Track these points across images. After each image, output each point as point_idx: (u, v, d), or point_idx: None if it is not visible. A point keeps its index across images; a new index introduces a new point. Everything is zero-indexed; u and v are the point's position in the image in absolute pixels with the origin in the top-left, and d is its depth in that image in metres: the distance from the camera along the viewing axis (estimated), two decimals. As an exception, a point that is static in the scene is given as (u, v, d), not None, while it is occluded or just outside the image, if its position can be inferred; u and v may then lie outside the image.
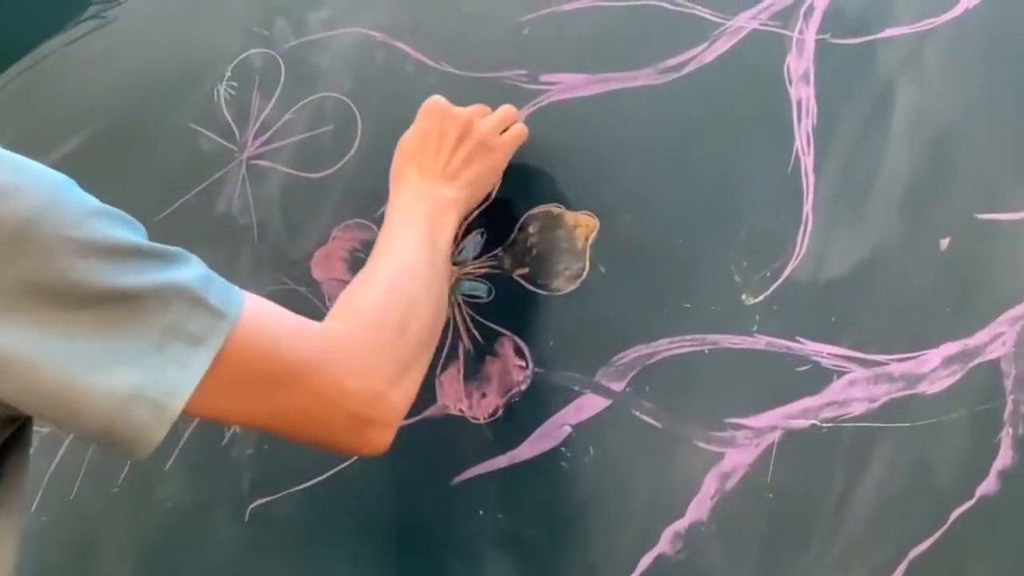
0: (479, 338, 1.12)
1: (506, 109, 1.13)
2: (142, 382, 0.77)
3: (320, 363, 0.86)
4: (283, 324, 0.87)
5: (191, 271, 0.82)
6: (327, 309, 1.18)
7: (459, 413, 1.11)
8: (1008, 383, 0.89)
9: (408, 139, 1.10)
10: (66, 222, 0.76)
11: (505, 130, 1.13)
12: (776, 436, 0.96)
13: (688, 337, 1.02)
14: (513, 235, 1.13)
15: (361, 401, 0.88)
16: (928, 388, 0.92)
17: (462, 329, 1.13)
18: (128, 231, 0.80)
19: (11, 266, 0.75)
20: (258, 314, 0.85)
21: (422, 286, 0.98)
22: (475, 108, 1.12)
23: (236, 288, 0.85)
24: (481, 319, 1.12)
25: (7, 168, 0.77)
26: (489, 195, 1.14)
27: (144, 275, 0.78)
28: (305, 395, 0.85)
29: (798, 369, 0.97)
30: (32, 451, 0.87)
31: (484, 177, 1.11)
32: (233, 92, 1.30)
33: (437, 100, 1.11)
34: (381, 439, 0.90)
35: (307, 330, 0.89)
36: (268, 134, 1.28)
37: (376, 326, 0.92)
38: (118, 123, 1.38)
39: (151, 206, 1.32)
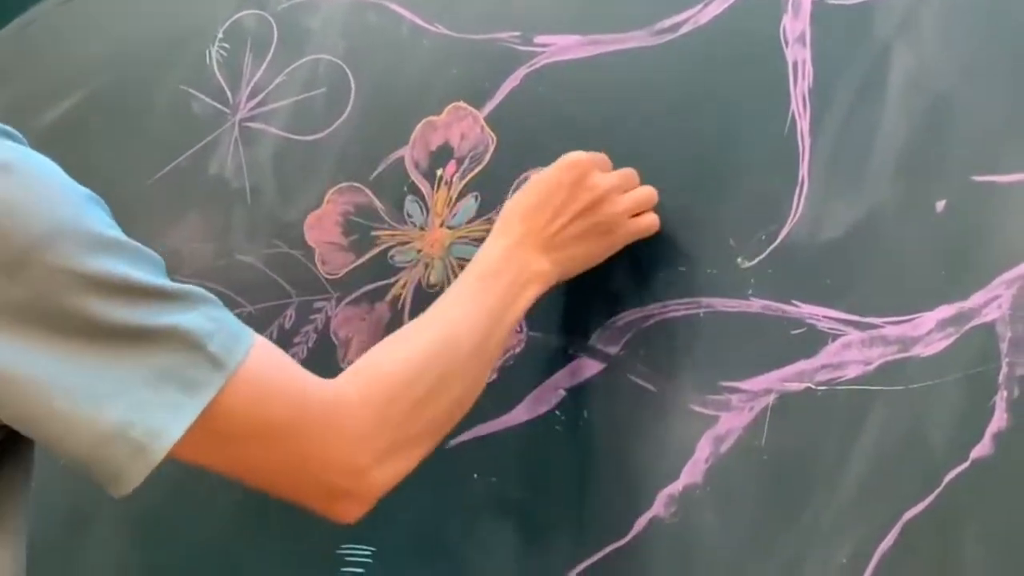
0: (473, 301, 1.11)
1: (647, 192, 1.05)
2: (127, 421, 0.75)
3: (310, 430, 0.83)
4: (283, 380, 0.84)
5: (199, 314, 0.79)
6: (319, 271, 1.20)
7: (453, 377, 1.10)
8: (1003, 346, 0.89)
9: (533, 188, 1.02)
10: (76, 251, 0.75)
11: (639, 213, 1.04)
12: (770, 399, 0.96)
13: (683, 300, 1.02)
14: (508, 198, 1.12)
15: (340, 474, 0.84)
16: (923, 351, 0.91)
17: (456, 293, 1.12)
18: (140, 267, 0.78)
19: (14, 285, 0.74)
20: (261, 365, 0.81)
21: (461, 367, 0.92)
22: (617, 180, 1.04)
23: (247, 334, 0.81)
24: (475, 283, 1.12)
25: (30, 185, 0.75)
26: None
27: (147, 315, 0.76)
28: (286, 457, 0.83)
29: (793, 332, 0.97)
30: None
31: (588, 258, 1.04)
32: (225, 54, 1.30)
33: (580, 159, 1.02)
34: (351, 513, 0.87)
35: (308, 391, 0.84)
36: (261, 96, 1.27)
37: (388, 400, 0.86)
38: (110, 85, 1.37)
39: (144, 169, 1.32)
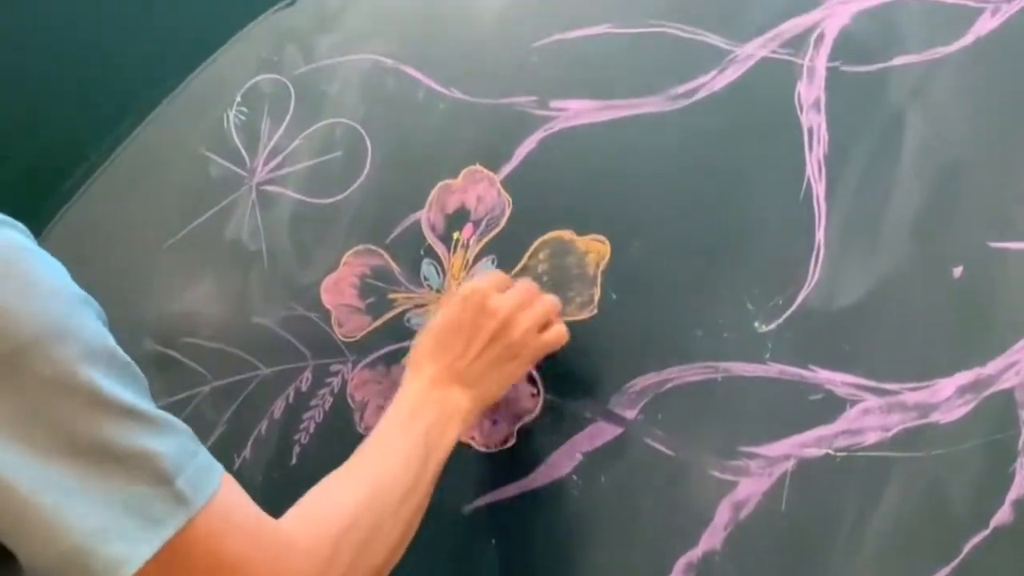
0: (490, 365, 1.11)
1: (549, 304, 1.07)
2: (90, 547, 0.72)
3: (260, 571, 0.80)
4: (242, 518, 0.81)
5: (174, 445, 0.77)
6: (336, 334, 1.20)
7: (471, 441, 1.10)
8: (1022, 413, 0.89)
9: (437, 328, 1.04)
10: (66, 359, 0.73)
11: (544, 328, 1.06)
12: (790, 465, 0.96)
13: (700, 364, 1.02)
14: (524, 261, 1.13)
15: None
16: (942, 417, 0.92)
17: (473, 356, 1.12)
18: (127, 384, 0.76)
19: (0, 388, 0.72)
20: (224, 503, 0.79)
21: (394, 513, 0.91)
22: (517, 299, 1.05)
23: (217, 470, 0.80)
24: (492, 346, 1.12)
25: (21, 288, 0.73)
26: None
27: (127, 436, 0.74)
28: None
29: (811, 397, 0.97)
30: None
31: (505, 381, 1.05)
32: (243, 117, 1.31)
33: (476, 290, 1.04)
34: None
35: (263, 532, 0.82)
36: (278, 159, 1.28)
37: (333, 546, 0.85)
38: (130, 147, 1.38)
39: (162, 232, 1.32)
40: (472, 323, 1.02)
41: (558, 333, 1.06)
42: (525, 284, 1.07)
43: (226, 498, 0.80)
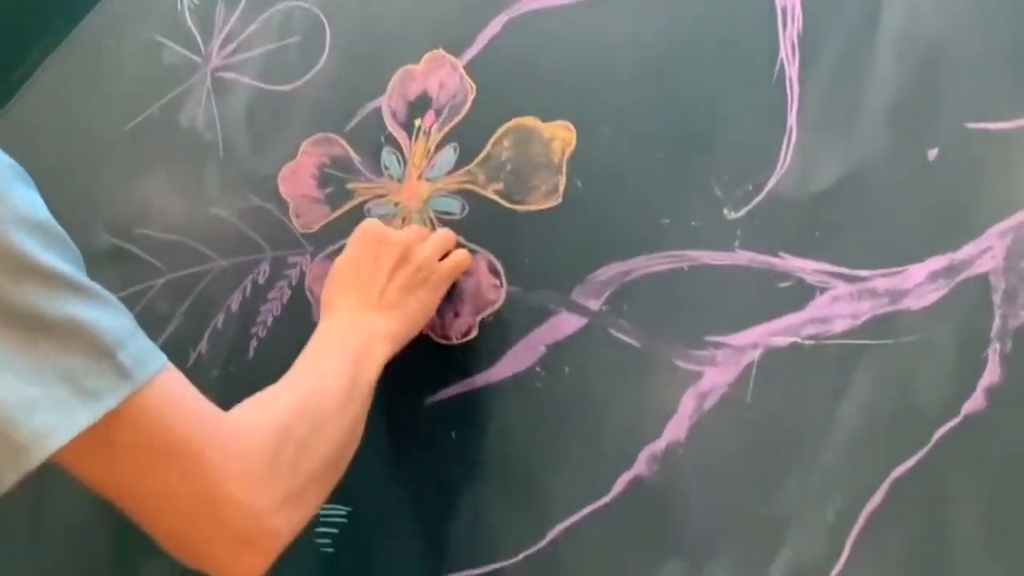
0: (452, 256, 1.09)
1: (444, 234, 1.08)
2: (9, 418, 0.69)
3: (213, 453, 0.78)
4: (188, 402, 0.79)
5: (111, 319, 0.74)
6: (294, 225, 1.17)
7: (431, 333, 1.08)
8: (996, 298, 0.86)
9: (341, 265, 1.04)
10: None
11: (444, 256, 1.06)
12: (756, 354, 0.93)
13: (667, 253, 0.99)
14: (487, 150, 1.09)
15: (241, 514, 0.79)
16: (913, 304, 0.89)
17: (434, 247, 1.09)
18: (58, 255, 0.73)
19: None
20: (169, 385, 0.77)
21: (331, 421, 0.89)
22: (412, 233, 1.07)
23: (160, 354, 0.77)
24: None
25: None
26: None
27: (64, 306, 0.72)
28: (183, 480, 0.77)
29: (780, 285, 0.94)
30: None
31: (422, 308, 1.05)
32: (197, 1, 1.26)
33: (372, 224, 1.06)
34: (251, 564, 0.81)
35: (208, 416, 0.80)
36: (233, 45, 1.24)
37: (277, 440, 0.82)
38: (80, 35, 1.34)
39: (114, 121, 1.29)
40: (375, 253, 1.03)
41: (460, 256, 1.07)
42: (416, 225, 1.09)
43: (171, 380, 0.78)
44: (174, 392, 0.78)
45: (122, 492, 0.79)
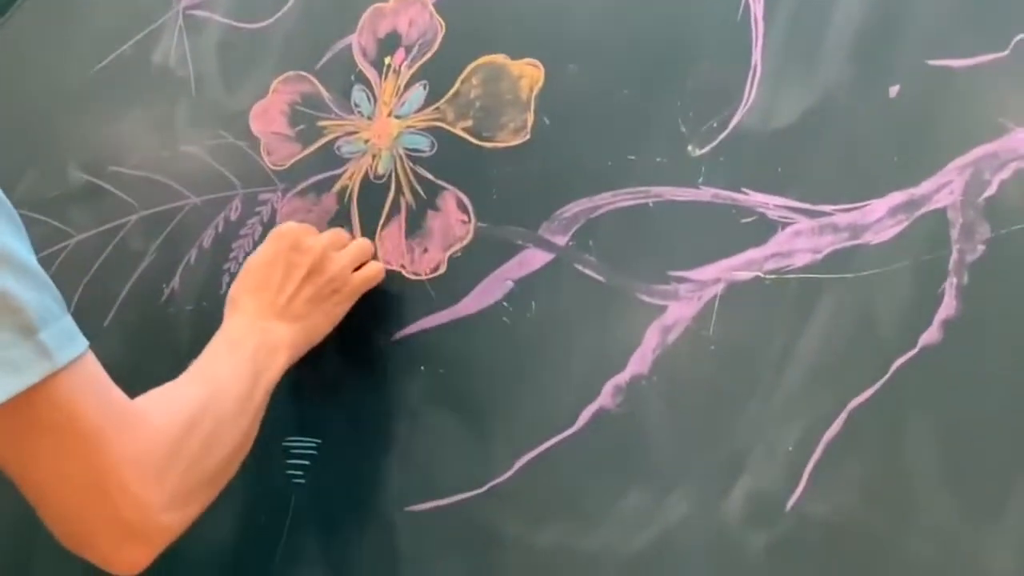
0: (421, 193, 1.09)
1: (361, 244, 1.08)
2: None
3: (115, 444, 0.79)
4: (102, 390, 0.80)
5: (37, 298, 0.75)
6: (265, 163, 1.18)
7: (400, 269, 1.09)
8: (954, 232, 0.87)
9: (252, 266, 1.04)
10: None
11: (359, 267, 1.07)
12: (719, 288, 0.95)
13: (632, 190, 1.00)
14: (456, 87, 1.10)
15: (133, 506, 0.80)
16: (873, 238, 0.90)
17: (404, 184, 1.10)
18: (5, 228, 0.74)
19: None
20: (86, 371, 0.78)
21: (229, 423, 0.91)
22: (329, 239, 1.06)
23: (82, 339, 0.78)
24: (423, 173, 1.09)
25: None
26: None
27: None
28: (83, 466, 0.78)
29: (743, 221, 0.95)
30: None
31: (326, 320, 1.05)
32: (168, -62, 1.26)
33: (290, 228, 1.05)
34: (134, 557, 0.82)
35: (119, 405, 0.81)
36: (205, -18, 1.24)
37: (179, 439, 0.84)
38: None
39: (86, 59, 1.29)
40: (287, 259, 1.03)
41: (374, 269, 1.07)
42: (337, 229, 1.09)
43: (89, 367, 0.79)
44: (90, 378, 0.79)
45: (21, 469, 0.80)
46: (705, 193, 0.97)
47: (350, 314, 1.05)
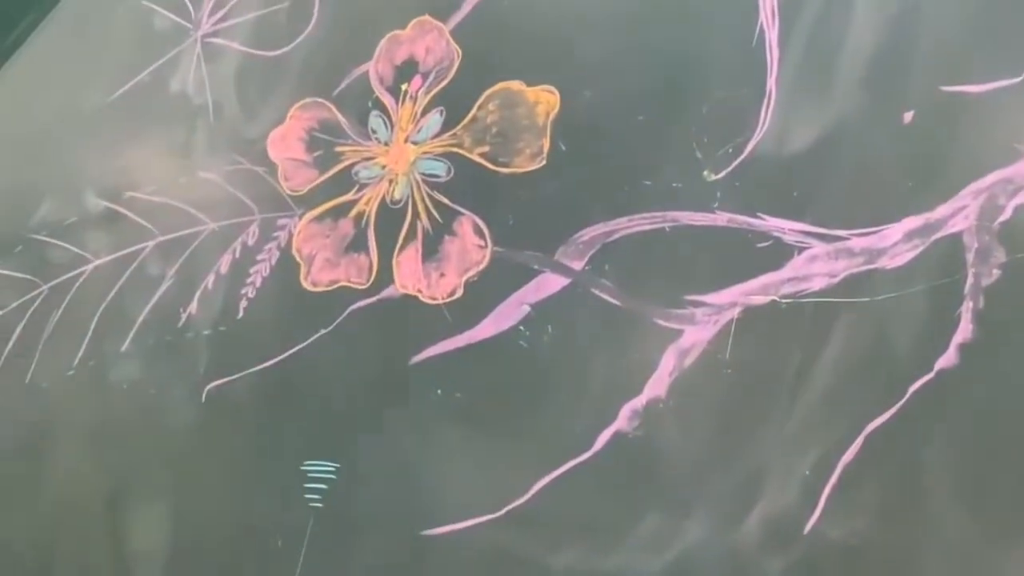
0: (438, 218, 1.10)
1: None
2: None
3: None
4: None
5: None
6: (282, 188, 1.18)
7: (417, 293, 1.09)
8: (969, 256, 0.88)
9: None
10: None
11: None
12: (735, 312, 0.95)
13: (648, 215, 1.01)
14: (472, 113, 1.11)
15: None
16: (889, 263, 0.91)
17: (420, 209, 1.11)
18: None
19: None
20: None
21: None
22: None
23: None
24: (440, 198, 1.10)
25: None
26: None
27: None
28: None
29: (759, 245, 0.95)
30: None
31: None
32: (187, -33, 1.28)
33: None
34: None
35: None
36: (224, 11, 1.25)
37: None
38: (70, 3, 1.35)
39: (105, 86, 1.30)
40: None
41: None
42: None
43: None
44: None
45: None
46: (721, 218, 0.98)
47: (366, 338, 1.06)
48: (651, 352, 0.97)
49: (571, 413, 1.00)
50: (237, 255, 1.19)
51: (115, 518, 1.19)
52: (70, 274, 1.26)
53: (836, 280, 0.92)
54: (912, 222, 0.90)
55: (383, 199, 1.13)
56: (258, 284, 1.17)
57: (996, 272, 0.86)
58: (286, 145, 1.19)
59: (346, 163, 1.16)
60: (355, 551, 1.06)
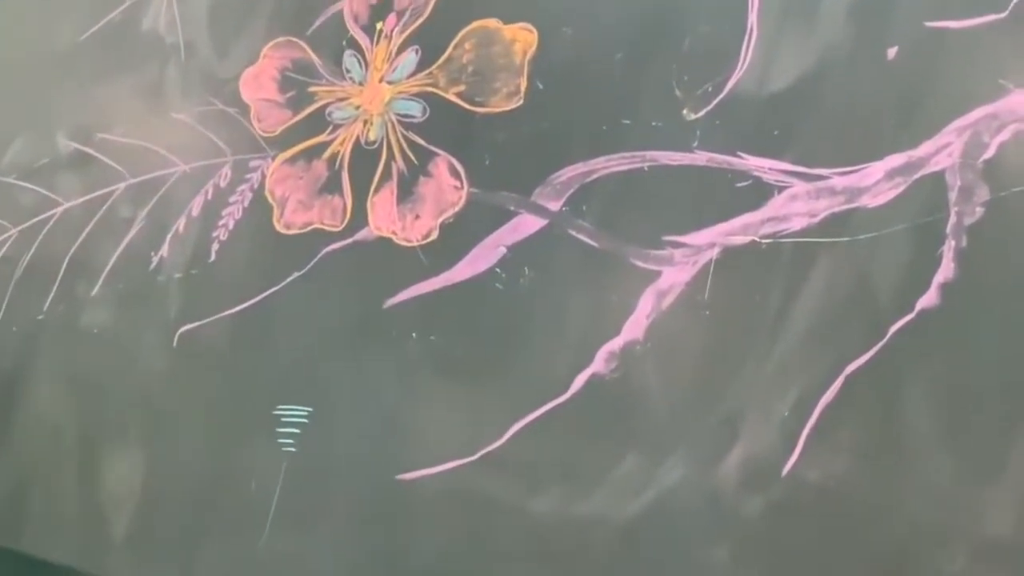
0: (413, 159, 1.08)
1: None
2: None
3: None
4: None
5: None
6: (255, 129, 1.16)
7: (392, 235, 1.08)
8: (952, 195, 0.86)
9: None
10: None
11: None
12: (714, 253, 0.94)
13: (627, 154, 0.99)
14: (448, 52, 1.08)
15: None
16: (870, 201, 0.89)
17: (395, 150, 1.09)
18: None
19: None
20: None
21: None
22: None
23: None
24: (415, 139, 1.08)
25: None
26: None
27: None
28: None
29: (738, 185, 0.94)
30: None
31: None
32: (159, -96, 1.25)
33: None
34: None
35: None
36: (195, -52, 1.23)
37: None
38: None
39: (75, 25, 1.28)
40: None
41: None
42: None
43: None
44: None
45: None
46: (700, 157, 0.96)
47: (341, 281, 1.04)
48: (629, 294, 0.96)
49: (547, 356, 0.98)
50: (209, 197, 1.17)
51: (88, 462, 1.17)
52: (39, 217, 1.24)
53: (817, 220, 0.91)
54: (895, 160, 0.89)
55: (357, 140, 1.11)
56: (230, 227, 1.15)
57: (979, 211, 0.85)
58: (259, 85, 1.17)
59: (320, 104, 1.14)
60: (329, 495, 1.05)
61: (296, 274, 1.10)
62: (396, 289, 1.06)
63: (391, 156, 1.09)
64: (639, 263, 0.96)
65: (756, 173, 0.93)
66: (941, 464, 0.82)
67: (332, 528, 1.05)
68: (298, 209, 1.12)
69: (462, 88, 1.07)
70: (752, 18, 0.96)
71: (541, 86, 1.04)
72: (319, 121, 1.13)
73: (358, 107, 1.12)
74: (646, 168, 0.98)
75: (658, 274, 0.95)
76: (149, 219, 1.19)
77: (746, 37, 0.96)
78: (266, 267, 1.12)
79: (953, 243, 0.85)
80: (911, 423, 0.84)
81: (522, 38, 1.05)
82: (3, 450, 1.23)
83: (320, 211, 1.11)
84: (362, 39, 1.13)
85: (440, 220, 1.06)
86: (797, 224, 0.91)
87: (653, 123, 0.98)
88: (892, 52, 0.90)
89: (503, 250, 1.02)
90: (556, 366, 0.98)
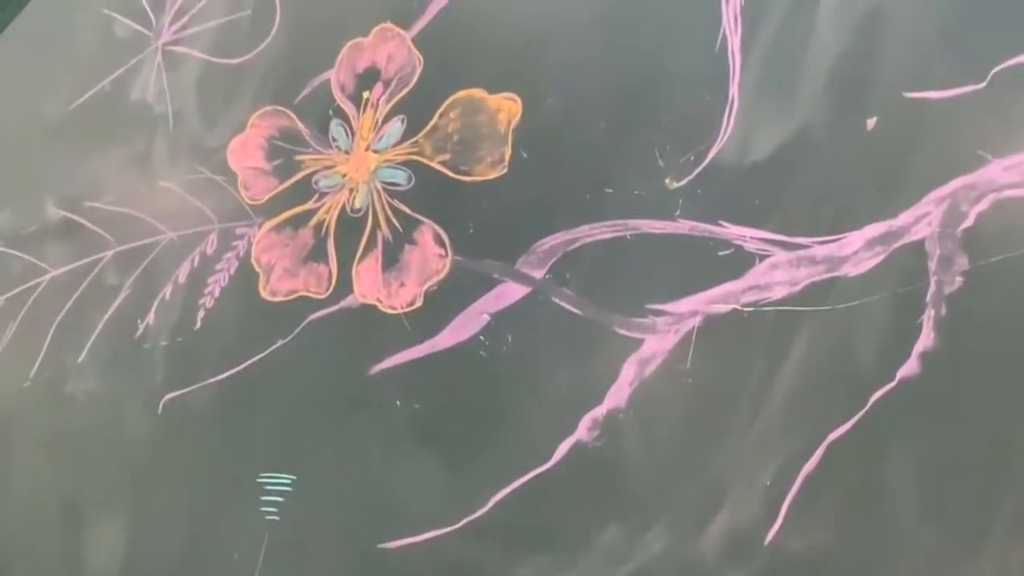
0: (398, 226, 1.09)
1: None
2: None
3: None
4: None
5: None
6: (242, 197, 1.17)
7: (377, 302, 1.08)
8: (932, 264, 0.87)
9: None
10: None
11: None
12: (696, 321, 0.94)
13: (610, 223, 0.99)
14: (434, 121, 1.09)
15: None
16: (850, 270, 0.89)
17: (381, 218, 1.10)
18: None
19: None
20: None
21: None
22: None
23: None
24: (400, 207, 1.09)
25: None
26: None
27: None
28: None
29: (720, 253, 0.94)
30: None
31: None
32: (148, -25, 1.27)
33: None
34: None
35: None
36: (185, 19, 1.24)
37: None
38: (31, 11, 1.34)
39: (65, 94, 1.29)
40: None
41: None
42: None
43: None
44: None
45: None
46: (683, 226, 0.96)
47: (326, 348, 1.05)
48: (612, 361, 0.96)
49: (530, 424, 0.98)
50: (196, 264, 1.17)
51: (71, 531, 1.17)
52: (26, 285, 1.24)
53: (798, 288, 0.91)
54: (874, 229, 0.89)
55: (343, 208, 1.12)
56: (216, 294, 1.15)
57: (959, 280, 0.85)
58: (246, 153, 1.18)
59: (306, 172, 1.15)
60: (312, 564, 1.05)
61: (281, 341, 1.10)
62: (380, 356, 1.06)
63: (376, 224, 1.09)
64: (622, 331, 0.97)
65: (737, 242, 0.94)
66: (923, 534, 0.82)
67: (315, 598, 1.04)
68: (284, 276, 1.12)
69: (447, 156, 1.08)
70: (733, 89, 0.97)
71: (525, 155, 1.05)
72: (305, 189, 1.14)
73: (344, 175, 1.13)
74: (629, 236, 0.98)
75: (641, 342, 0.96)
76: (135, 286, 1.20)
77: (727, 107, 0.97)
78: (251, 334, 1.12)
79: (933, 312, 0.86)
80: (893, 493, 0.84)
81: (507, 107, 1.06)
82: None
83: (306, 279, 1.11)
84: (348, 108, 1.14)
85: (424, 288, 1.06)
86: (778, 293, 0.92)
87: (636, 192, 0.99)
88: (871, 122, 0.91)
89: (487, 318, 1.03)
90: (539, 434, 0.97)
